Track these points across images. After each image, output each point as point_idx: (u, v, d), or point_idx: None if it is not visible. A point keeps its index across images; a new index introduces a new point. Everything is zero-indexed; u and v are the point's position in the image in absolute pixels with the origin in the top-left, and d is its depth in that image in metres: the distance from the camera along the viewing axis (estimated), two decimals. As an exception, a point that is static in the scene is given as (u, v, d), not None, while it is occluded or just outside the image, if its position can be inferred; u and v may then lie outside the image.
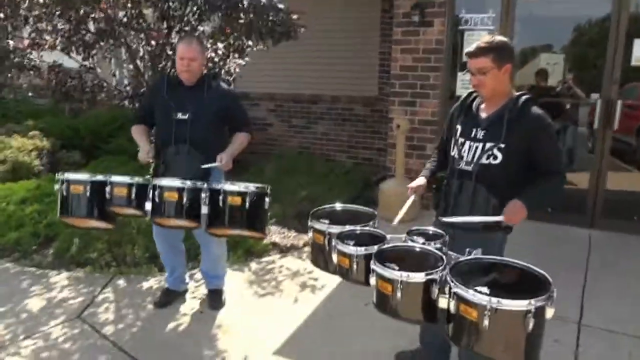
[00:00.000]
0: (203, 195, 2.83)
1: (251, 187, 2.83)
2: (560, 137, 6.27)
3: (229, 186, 2.85)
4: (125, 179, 2.85)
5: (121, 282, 3.83)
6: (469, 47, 2.30)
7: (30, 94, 5.18)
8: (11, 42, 4.43)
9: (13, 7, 4.30)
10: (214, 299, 3.51)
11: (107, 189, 2.82)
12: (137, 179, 2.85)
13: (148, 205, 2.83)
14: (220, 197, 2.81)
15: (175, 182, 2.82)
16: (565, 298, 3.59)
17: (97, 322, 3.27)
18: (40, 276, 3.92)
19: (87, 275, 3.94)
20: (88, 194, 2.81)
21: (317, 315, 3.38)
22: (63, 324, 3.24)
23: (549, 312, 1.84)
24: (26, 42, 4.63)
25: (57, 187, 2.87)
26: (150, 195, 2.82)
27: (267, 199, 2.88)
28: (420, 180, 2.58)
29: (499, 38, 2.28)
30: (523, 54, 5.99)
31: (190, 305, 3.51)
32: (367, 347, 3.02)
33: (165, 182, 2.84)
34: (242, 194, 2.79)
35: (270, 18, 4.51)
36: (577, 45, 5.52)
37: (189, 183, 2.82)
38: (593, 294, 3.69)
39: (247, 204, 2.78)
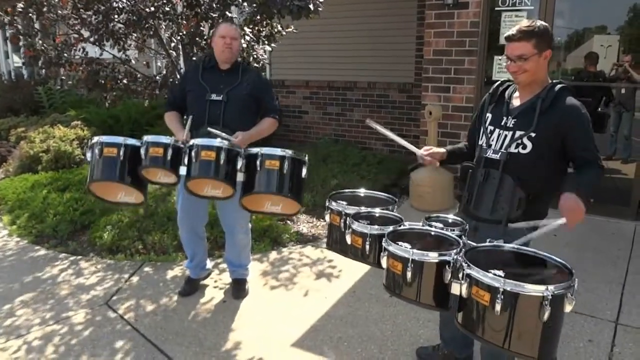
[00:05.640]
0: (240, 161, 2.75)
1: (289, 152, 2.76)
2: (613, 124, 5.92)
3: (267, 150, 2.76)
4: (162, 138, 2.78)
5: (149, 270, 3.90)
6: (508, 31, 2.19)
7: (75, 83, 5.31)
8: (40, 42, 4.54)
9: (38, 9, 4.42)
10: (237, 289, 3.52)
11: (143, 149, 2.75)
12: (173, 140, 2.79)
13: (182, 170, 2.77)
14: (258, 162, 2.71)
15: (214, 142, 2.75)
16: (602, 295, 3.41)
17: (122, 309, 3.34)
18: (73, 262, 4.04)
19: (117, 262, 4.03)
20: (122, 157, 2.76)
21: (338, 308, 3.32)
22: (89, 310, 3.33)
23: (569, 305, 1.71)
24: (59, 38, 4.75)
25: (89, 155, 2.82)
26: (186, 159, 2.75)
27: (304, 168, 2.80)
28: (440, 149, 2.50)
29: (541, 22, 2.18)
30: (571, 36, 5.66)
31: (214, 293, 3.53)
32: (388, 341, 2.95)
33: (201, 141, 2.76)
34: (281, 158, 2.71)
35: None
36: (635, 25, 5.16)
37: (227, 143, 2.75)
38: (633, 291, 3.47)
39: (286, 169, 2.70)
